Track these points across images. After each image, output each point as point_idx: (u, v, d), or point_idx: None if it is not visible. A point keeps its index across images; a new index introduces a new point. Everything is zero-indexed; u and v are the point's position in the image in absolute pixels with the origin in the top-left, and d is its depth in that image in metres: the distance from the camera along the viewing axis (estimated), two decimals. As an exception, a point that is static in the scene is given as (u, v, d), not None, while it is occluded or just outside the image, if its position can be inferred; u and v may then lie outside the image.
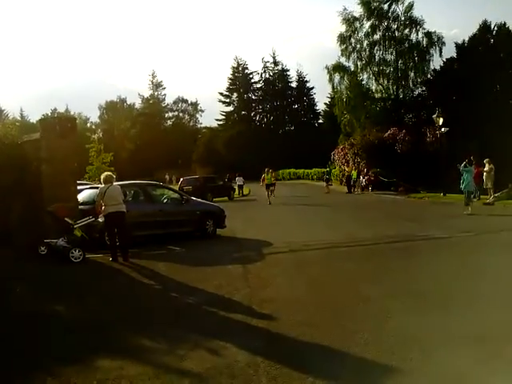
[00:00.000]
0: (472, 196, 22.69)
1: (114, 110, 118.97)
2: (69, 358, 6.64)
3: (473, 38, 50.48)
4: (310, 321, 7.87)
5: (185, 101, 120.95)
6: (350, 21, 61.35)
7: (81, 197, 16.49)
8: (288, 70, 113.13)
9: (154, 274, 12.39)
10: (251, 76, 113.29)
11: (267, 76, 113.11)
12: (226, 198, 42.28)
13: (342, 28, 61.85)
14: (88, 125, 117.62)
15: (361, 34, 61.55)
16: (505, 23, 49.84)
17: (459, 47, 50.91)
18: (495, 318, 7.55)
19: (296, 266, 12.73)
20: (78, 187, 16.86)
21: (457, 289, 9.56)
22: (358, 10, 61.29)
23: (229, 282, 10.91)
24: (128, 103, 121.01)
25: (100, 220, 14.41)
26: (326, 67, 62.96)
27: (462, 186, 22.56)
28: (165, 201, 18.90)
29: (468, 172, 22.44)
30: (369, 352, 6.38)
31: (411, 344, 6.59)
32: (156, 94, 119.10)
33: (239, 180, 51.03)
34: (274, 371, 5.88)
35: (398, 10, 60.18)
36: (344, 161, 54.35)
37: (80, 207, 15.64)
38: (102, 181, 14.92)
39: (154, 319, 8.43)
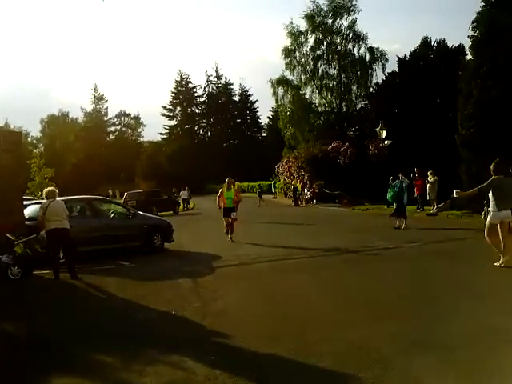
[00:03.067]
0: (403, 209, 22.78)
1: (56, 124, 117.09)
2: (17, 377, 6.53)
3: (414, 53, 51.41)
4: (263, 332, 7.92)
5: (127, 115, 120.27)
6: (295, 34, 61.72)
7: (26, 212, 16.14)
8: (231, 84, 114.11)
9: (103, 289, 12.26)
10: (194, 90, 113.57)
11: (210, 90, 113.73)
12: (171, 212, 42.15)
13: (287, 42, 62.24)
14: (29, 139, 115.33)
15: (305, 48, 62.05)
16: (444, 40, 51.23)
17: (401, 61, 51.80)
18: (442, 325, 7.70)
19: (246, 278, 12.77)
20: (24, 202, 16.51)
21: (404, 297, 9.73)
22: (302, 25, 61.80)
23: (180, 296, 10.92)
24: (70, 117, 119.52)
25: (43, 236, 14.07)
26: (270, 81, 63.40)
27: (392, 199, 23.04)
28: (111, 215, 18.72)
29: (395, 186, 22.82)
30: (325, 362, 6.43)
31: (369, 354, 6.66)
32: (98, 107, 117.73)
33: (184, 194, 50.92)
34: (232, 383, 5.88)
35: (341, 24, 60.97)
36: (288, 174, 54.70)
37: (26, 223, 15.30)
38: (44, 196, 14.71)
39: (104, 335, 8.33)
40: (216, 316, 9.02)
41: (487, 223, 12.46)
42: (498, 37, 30.16)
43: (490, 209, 12.31)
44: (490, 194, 12.25)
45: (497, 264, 12.04)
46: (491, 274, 11.67)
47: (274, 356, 6.78)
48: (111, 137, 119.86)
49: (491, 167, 12.47)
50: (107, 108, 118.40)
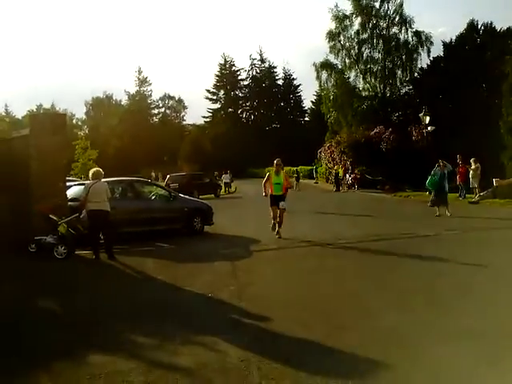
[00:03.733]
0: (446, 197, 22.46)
1: (101, 106, 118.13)
2: (61, 353, 6.71)
3: (460, 37, 50.66)
4: (297, 317, 7.97)
5: (171, 97, 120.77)
6: (339, 18, 61.04)
7: (69, 193, 16.45)
8: (275, 68, 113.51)
9: (142, 270, 12.44)
10: (238, 73, 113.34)
11: (254, 73, 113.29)
12: (213, 195, 42.32)
13: (332, 25, 61.66)
14: (74, 121, 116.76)
15: (350, 32, 61.33)
16: (491, 23, 50.30)
17: (446, 46, 51.06)
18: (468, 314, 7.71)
19: (284, 262, 12.88)
20: (67, 184, 16.84)
21: (434, 286, 9.73)
22: (348, 8, 61.17)
23: (218, 278, 11.04)
24: (114, 99, 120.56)
25: (85, 216, 14.33)
26: (314, 64, 62.70)
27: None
28: (153, 198, 18.97)
29: (435, 175, 22.49)
30: (355, 348, 6.48)
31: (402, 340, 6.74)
32: (142, 90, 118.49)
33: (226, 177, 51.09)
34: (265, 367, 5.95)
35: (388, 8, 60.13)
36: (330, 159, 54.41)
37: (69, 203, 15.62)
38: (90, 177, 14.97)
39: (143, 316, 8.47)
40: (252, 299, 9.09)
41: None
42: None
43: None
44: None
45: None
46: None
47: (306, 340, 6.84)
48: (155, 119, 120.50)
49: None
50: (151, 91, 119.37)
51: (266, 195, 17.38)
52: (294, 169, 58.37)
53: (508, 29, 48.18)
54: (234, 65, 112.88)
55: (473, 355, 6.08)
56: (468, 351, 6.22)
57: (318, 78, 63.23)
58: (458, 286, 9.69)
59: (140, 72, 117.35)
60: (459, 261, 12.02)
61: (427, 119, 36.33)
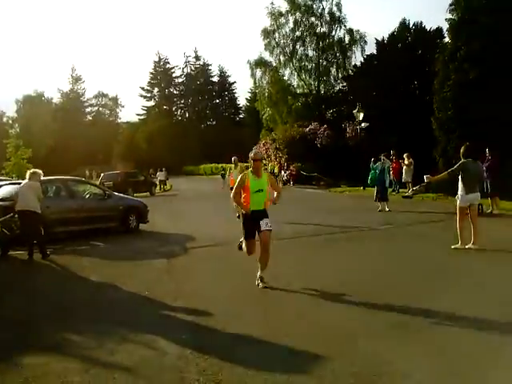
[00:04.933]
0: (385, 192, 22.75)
1: (31, 104, 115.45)
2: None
3: (392, 36, 51.53)
4: (233, 311, 8.03)
5: (105, 95, 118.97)
6: (275, 15, 61.32)
7: (0, 193, 16.02)
8: (210, 65, 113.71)
9: (77, 269, 12.23)
10: (173, 71, 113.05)
11: (189, 71, 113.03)
12: (148, 193, 41.96)
13: (267, 23, 61.95)
14: (4, 119, 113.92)
15: (285, 30, 61.68)
16: (422, 22, 51.50)
17: (379, 44, 51.89)
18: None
19: (220, 259, 12.79)
20: (-1, 183, 16.41)
21: (378, 275, 9.85)
22: (283, 6, 61.44)
23: (153, 276, 10.99)
24: (46, 98, 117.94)
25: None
26: (248, 62, 62.97)
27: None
28: (87, 196, 18.65)
29: (376, 169, 22.84)
30: (290, 341, 6.52)
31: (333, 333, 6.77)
32: (76, 88, 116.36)
33: (161, 175, 50.74)
34: (203, 363, 5.94)
35: (322, 6, 60.70)
36: (266, 155, 54.60)
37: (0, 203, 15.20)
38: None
39: (79, 315, 8.33)
40: (189, 296, 9.07)
41: (457, 207, 12.65)
42: (474, 20, 30.30)
43: (459, 192, 12.51)
44: (459, 177, 12.44)
45: (467, 247, 12.23)
46: (462, 255, 11.85)
47: (243, 334, 6.87)
48: (89, 118, 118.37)
49: (461, 151, 12.78)
50: (84, 89, 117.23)
51: (244, 214, 9.87)
52: (220, 165, 58.39)
53: (437, 28, 49.26)
54: (168, 62, 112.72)
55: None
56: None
57: (253, 75, 63.51)
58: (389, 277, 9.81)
59: (73, 70, 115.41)
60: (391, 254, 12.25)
61: (361, 116, 36.83)
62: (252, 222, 9.51)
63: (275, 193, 9.93)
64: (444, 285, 9.11)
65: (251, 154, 9.67)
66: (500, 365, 5.64)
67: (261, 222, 9.44)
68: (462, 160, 12.54)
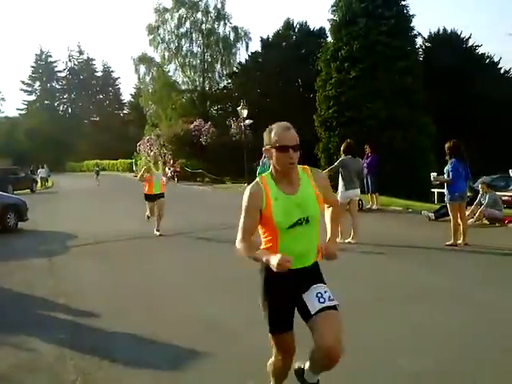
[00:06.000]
0: None
1: None
2: None
3: (277, 35, 52.25)
4: (118, 311, 7.73)
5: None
6: (160, 11, 60.92)
7: None
8: (94, 60, 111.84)
9: None
10: (55, 64, 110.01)
11: (72, 65, 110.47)
12: (29, 190, 40.45)
13: (152, 18, 61.36)
14: None
15: (170, 25, 61.38)
16: (306, 22, 52.72)
17: (264, 42, 52.49)
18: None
19: (101, 256, 12.39)
20: None
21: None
22: (169, 1, 61.11)
23: (34, 275, 10.45)
24: None
25: None
26: (132, 58, 62.51)
27: None
28: (-39, 193, 17.63)
29: (264, 164, 22.78)
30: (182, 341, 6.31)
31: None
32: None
33: (42, 172, 49.32)
34: (81, 362, 5.68)
35: (208, 3, 60.82)
36: (150, 152, 54.14)
37: None
38: None
39: None
40: (70, 295, 8.64)
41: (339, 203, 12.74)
42: (354, 21, 31.18)
43: (339, 188, 12.63)
44: (340, 173, 12.61)
45: (347, 241, 12.34)
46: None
47: (125, 333, 6.64)
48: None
49: (341, 147, 13.07)
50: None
51: (267, 276, 3.86)
52: (94, 161, 57.46)
53: (320, 28, 50.34)
54: (50, 56, 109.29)
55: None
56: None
57: (137, 71, 63.30)
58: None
59: None
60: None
61: (245, 112, 36.88)
62: (287, 293, 3.91)
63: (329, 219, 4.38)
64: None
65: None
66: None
67: (309, 293, 3.86)
68: (342, 157, 12.75)
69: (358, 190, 12.85)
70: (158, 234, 14.70)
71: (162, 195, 14.82)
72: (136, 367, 5.58)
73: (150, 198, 14.90)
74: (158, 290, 8.96)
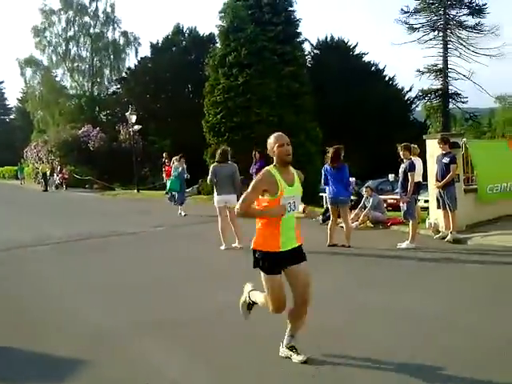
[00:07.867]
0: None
1: None
2: None
3: (166, 40, 52.07)
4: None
5: None
6: (46, 13, 59.65)
7: None
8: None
9: None
10: None
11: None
12: None
13: (38, 20, 59.89)
14: None
15: (57, 28, 60.21)
16: (196, 27, 52.85)
17: (153, 47, 52.22)
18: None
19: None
20: None
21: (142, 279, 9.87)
22: (56, 4, 59.85)
23: None
24: None
25: None
26: (18, 60, 60.84)
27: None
28: None
29: (175, 171, 22.52)
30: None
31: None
32: None
33: None
34: None
35: (97, 7, 60.26)
36: (37, 158, 52.88)
37: None
38: None
39: None
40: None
41: (216, 208, 13.07)
42: (241, 28, 31.73)
43: (214, 194, 13.08)
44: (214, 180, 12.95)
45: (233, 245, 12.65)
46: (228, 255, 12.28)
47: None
48: None
49: (216, 155, 13.62)
50: None
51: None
52: (3, 169, 55.66)
53: (210, 34, 50.60)
54: None
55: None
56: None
57: (23, 74, 61.70)
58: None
59: None
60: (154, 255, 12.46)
61: (133, 118, 36.58)
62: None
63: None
64: (216, 284, 9.32)
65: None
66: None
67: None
68: (213, 164, 13.25)
69: (232, 196, 12.63)
70: None
71: None
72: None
73: None
74: (42, 298, 8.89)
